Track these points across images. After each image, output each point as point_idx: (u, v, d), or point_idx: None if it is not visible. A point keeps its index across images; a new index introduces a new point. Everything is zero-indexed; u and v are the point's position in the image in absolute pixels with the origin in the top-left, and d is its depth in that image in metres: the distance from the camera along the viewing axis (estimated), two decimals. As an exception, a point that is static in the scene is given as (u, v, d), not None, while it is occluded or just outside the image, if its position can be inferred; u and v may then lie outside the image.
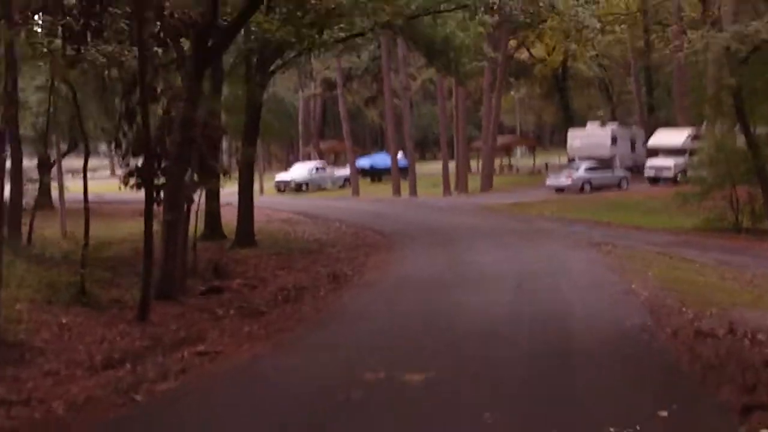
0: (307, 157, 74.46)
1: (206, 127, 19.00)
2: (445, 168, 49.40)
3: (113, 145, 22.38)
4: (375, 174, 60.63)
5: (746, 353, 11.17)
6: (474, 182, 50.47)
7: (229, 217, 29.20)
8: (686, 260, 21.67)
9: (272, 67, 29.28)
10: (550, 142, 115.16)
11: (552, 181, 46.52)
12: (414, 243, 27.10)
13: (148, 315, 14.61)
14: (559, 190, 45.38)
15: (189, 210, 19.03)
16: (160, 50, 19.25)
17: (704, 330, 12.49)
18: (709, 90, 33.42)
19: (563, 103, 64.84)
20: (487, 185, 50.05)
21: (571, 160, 51.31)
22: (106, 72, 19.94)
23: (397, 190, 48.77)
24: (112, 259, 20.55)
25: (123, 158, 21.05)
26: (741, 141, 30.56)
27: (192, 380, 10.54)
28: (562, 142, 57.78)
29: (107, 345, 12.76)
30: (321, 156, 72.65)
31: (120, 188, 21.15)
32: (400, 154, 65.81)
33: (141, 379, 10.40)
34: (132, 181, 19.98)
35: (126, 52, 17.89)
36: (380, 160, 60.57)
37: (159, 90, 19.31)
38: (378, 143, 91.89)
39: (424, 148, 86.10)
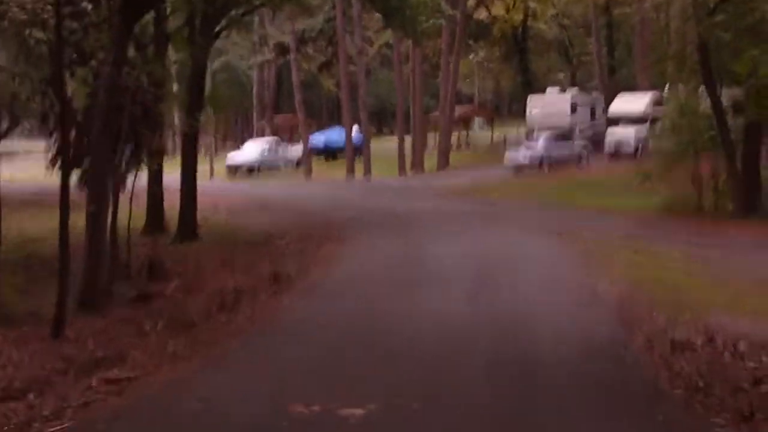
0: (261, 133, 71.80)
1: (138, 93, 17.02)
2: (401, 145, 47.83)
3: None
4: (330, 152, 58.38)
5: (731, 369, 10.10)
6: (431, 161, 49.02)
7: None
8: (652, 252, 20.34)
9: (217, 28, 26.81)
10: (509, 112, 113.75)
11: (510, 159, 44.55)
12: (367, 233, 25.56)
13: (64, 331, 12.90)
14: (518, 168, 43.81)
15: (118, 197, 17.20)
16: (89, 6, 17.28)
17: (681, 340, 11.33)
18: (673, 47, 31.90)
19: (522, 66, 63.38)
20: (443, 163, 48.61)
21: (530, 131, 49.49)
22: (28, 32, 17.76)
23: (350, 171, 47.10)
24: (37, 260, 18.72)
25: (51, 135, 19.04)
26: (707, 105, 28.49)
27: (90, 418, 9.07)
28: (522, 112, 55.80)
29: (12, 370, 11.09)
30: (275, 132, 70.35)
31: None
32: (355, 129, 64.01)
33: (35, 416, 9.00)
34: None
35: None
36: (335, 135, 58.33)
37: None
38: (335, 116, 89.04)
39: (382, 120, 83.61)
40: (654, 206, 28.04)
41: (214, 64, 75.65)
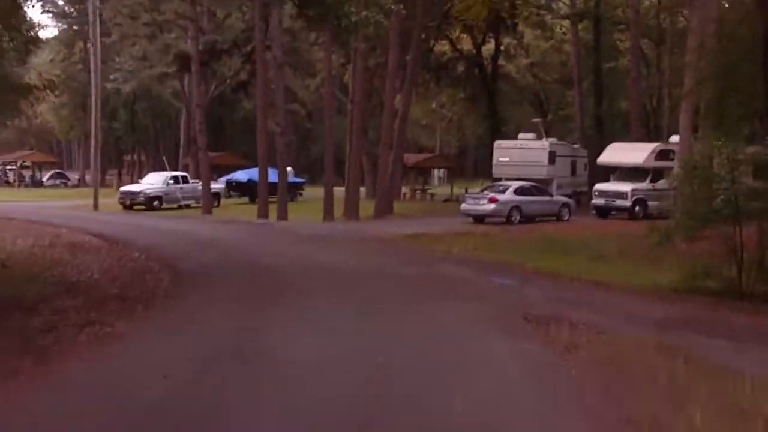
0: (186, 170, 62.18)
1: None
2: (329, 185, 37.34)
3: None
4: (253, 190, 47.95)
5: None
6: (371, 208, 38.60)
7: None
8: (714, 371, 9.90)
9: None
10: (475, 169, 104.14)
11: (469, 205, 34.75)
12: (211, 293, 15.67)
13: None
14: (479, 218, 33.88)
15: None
16: None
17: None
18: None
19: (490, 110, 53.11)
20: (383, 209, 38.13)
21: (496, 180, 39.91)
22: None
23: (264, 213, 36.25)
24: None
25: None
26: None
27: None
28: (487, 168, 46.89)
29: None
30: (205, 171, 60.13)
31: None
32: (289, 170, 54.55)
33: None
34: None
35: None
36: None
37: None
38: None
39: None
40: (671, 283, 17.83)
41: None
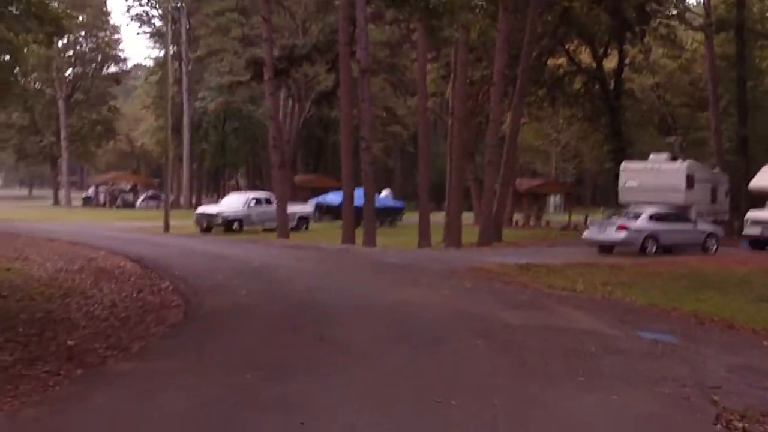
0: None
1: None
2: (425, 207, 31.76)
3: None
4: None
5: None
6: (477, 234, 32.93)
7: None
8: None
9: None
10: (593, 198, 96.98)
11: (593, 233, 28.78)
12: (215, 348, 10.80)
13: None
14: (606, 248, 27.96)
15: None
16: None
17: None
18: None
19: (614, 129, 46.44)
20: (490, 235, 32.27)
21: (623, 206, 33.82)
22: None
23: (349, 237, 30.86)
24: None
25: None
26: None
27: None
28: (608, 196, 40.80)
29: None
30: (292, 194, 55.83)
31: None
32: (386, 192, 49.85)
33: None
34: None
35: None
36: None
37: None
38: (390, 182, 74.97)
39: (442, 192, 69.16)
40: None
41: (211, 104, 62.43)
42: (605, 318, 13.41)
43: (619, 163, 40.43)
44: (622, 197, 35.70)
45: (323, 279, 18.48)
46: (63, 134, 75.33)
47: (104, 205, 71.34)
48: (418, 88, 33.71)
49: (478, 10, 34.45)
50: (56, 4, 24.58)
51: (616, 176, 41.71)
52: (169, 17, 41.41)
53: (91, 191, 79.88)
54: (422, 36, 32.23)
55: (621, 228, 27.68)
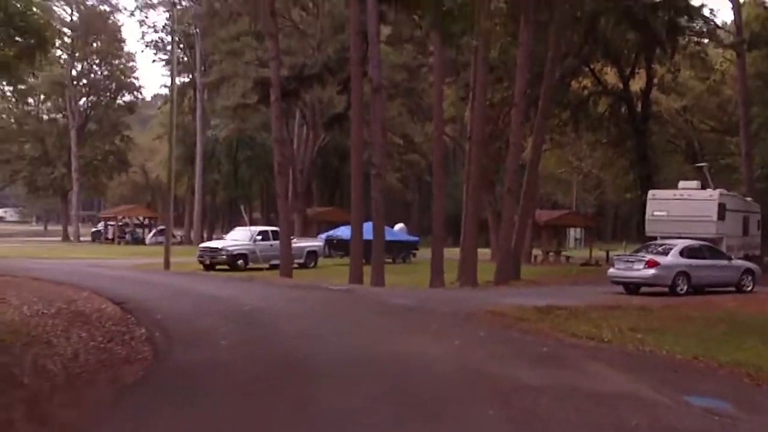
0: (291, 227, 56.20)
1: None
2: (438, 242, 29.69)
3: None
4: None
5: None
6: (493, 271, 30.79)
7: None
8: None
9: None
10: (614, 231, 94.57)
11: (620, 270, 26.62)
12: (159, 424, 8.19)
13: None
14: (632, 287, 25.88)
15: None
16: None
17: None
18: None
19: (640, 153, 44.11)
20: (507, 273, 30.11)
21: (650, 239, 31.88)
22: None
23: (357, 275, 28.79)
24: None
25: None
26: None
27: None
28: (629, 231, 38.58)
29: None
30: (304, 227, 53.94)
31: None
32: (399, 227, 48.00)
33: None
34: None
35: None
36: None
37: None
38: (403, 217, 72.65)
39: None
40: None
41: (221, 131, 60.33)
42: (643, 377, 11.29)
43: (646, 192, 38.49)
44: (649, 229, 33.73)
45: (319, 325, 16.46)
46: (74, 165, 73.59)
47: (112, 240, 69.48)
48: (434, 109, 31.70)
49: (497, 19, 32.32)
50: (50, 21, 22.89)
51: (642, 206, 39.75)
52: (174, 39, 39.33)
53: (100, 226, 78.25)
54: (438, 49, 30.35)
55: (650, 264, 25.54)
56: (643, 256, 26.35)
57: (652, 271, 25.40)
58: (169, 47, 74.19)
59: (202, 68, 63.60)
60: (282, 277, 30.12)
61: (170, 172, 36.86)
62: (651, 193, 35.16)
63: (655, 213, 33.51)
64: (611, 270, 27.14)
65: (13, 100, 79.28)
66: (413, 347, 13.50)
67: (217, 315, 17.59)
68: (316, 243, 42.56)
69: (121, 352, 13.64)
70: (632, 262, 26.41)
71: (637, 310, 20.69)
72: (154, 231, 70.54)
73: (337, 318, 17.88)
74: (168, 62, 74.00)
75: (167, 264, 35.06)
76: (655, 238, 31.60)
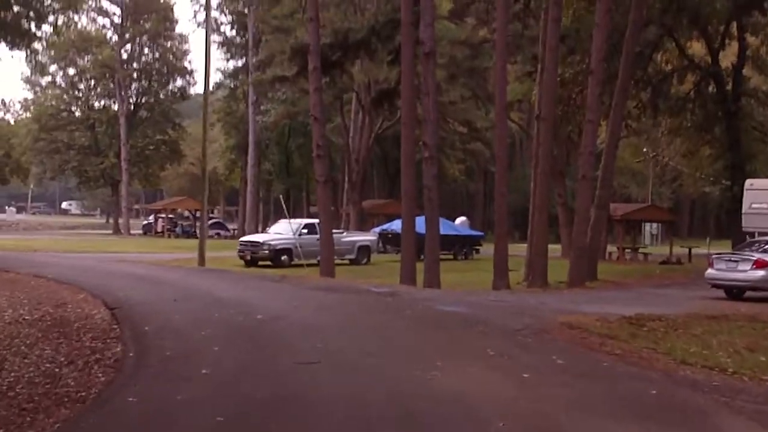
0: (347, 221, 52.58)
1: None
2: (502, 238, 25.65)
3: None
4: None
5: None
6: (566, 269, 26.69)
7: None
8: None
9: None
10: (690, 226, 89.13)
11: (721, 271, 22.42)
12: None
13: None
14: (735, 291, 21.75)
15: None
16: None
17: None
18: None
19: (731, 138, 38.84)
20: (582, 273, 25.97)
21: (748, 235, 27.61)
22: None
23: (409, 275, 24.82)
24: None
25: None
26: None
27: None
28: (708, 225, 34.02)
29: None
30: (360, 220, 50.43)
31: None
32: (461, 220, 44.33)
33: None
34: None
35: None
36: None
37: None
38: (466, 208, 68.70)
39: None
40: None
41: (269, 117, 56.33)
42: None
43: (735, 183, 34.14)
44: (746, 223, 29.51)
45: (339, 341, 12.68)
46: (123, 155, 70.71)
47: (162, 233, 66.66)
48: (496, 87, 27.42)
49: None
50: None
51: (731, 199, 35.50)
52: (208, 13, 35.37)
53: (151, 219, 75.67)
54: (502, 13, 26.21)
55: (759, 265, 21.33)
56: (751, 255, 22.09)
57: (761, 273, 21.20)
58: (222, 28, 71.08)
59: (255, 49, 60.01)
60: (322, 276, 26.32)
61: (203, 157, 33.33)
62: (749, 182, 30.83)
63: (754, 205, 29.29)
64: (710, 271, 22.90)
65: (62, 85, 77.02)
66: (462, 383, 9.67)
67: (218, 327, 14.02)
68: (368, 237, 38.99)
69: (68, 383, 10.19)
70: (736, 262, 22.15)
71: (749, 322, 16.61)
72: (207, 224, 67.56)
73: (365, 332, 14.05)
74: (222, 44, 70.84)
75: (202, 260, 31.64)
76: (753, 234, 27.37)
